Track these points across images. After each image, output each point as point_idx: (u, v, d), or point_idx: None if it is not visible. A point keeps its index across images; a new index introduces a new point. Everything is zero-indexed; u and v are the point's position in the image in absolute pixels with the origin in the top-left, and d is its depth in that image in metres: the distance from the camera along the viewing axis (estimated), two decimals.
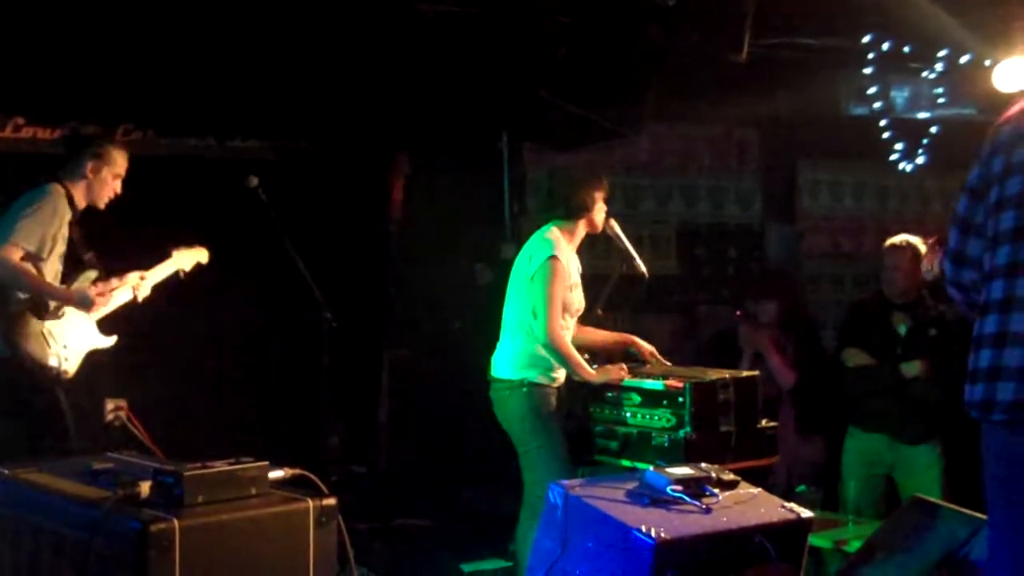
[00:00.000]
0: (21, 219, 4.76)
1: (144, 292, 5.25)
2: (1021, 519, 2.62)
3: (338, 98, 6.69)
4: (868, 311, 5.80)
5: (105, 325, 5.18)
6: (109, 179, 5.09)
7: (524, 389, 4.89)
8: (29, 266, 4.77)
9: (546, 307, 4.81)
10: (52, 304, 4.86)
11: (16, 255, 4.71)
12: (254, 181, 5.44)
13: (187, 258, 5.45)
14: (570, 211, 5.03)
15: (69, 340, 4.93)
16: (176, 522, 2.75)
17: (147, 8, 5.82)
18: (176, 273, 5.43)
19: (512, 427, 4.95)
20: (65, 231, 4.97)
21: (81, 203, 5.07)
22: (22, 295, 4.80)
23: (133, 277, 5.21)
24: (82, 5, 5.76)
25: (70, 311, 4.94)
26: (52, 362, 4.84)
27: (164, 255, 5.40)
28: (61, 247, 4.96)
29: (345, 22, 6.18)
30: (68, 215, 4.97)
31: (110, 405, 5.93)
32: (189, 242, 5.52)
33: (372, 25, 6.25)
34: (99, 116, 6.19)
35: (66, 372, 4.90)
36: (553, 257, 4.85)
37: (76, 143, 5.30)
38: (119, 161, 5.12)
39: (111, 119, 6.27)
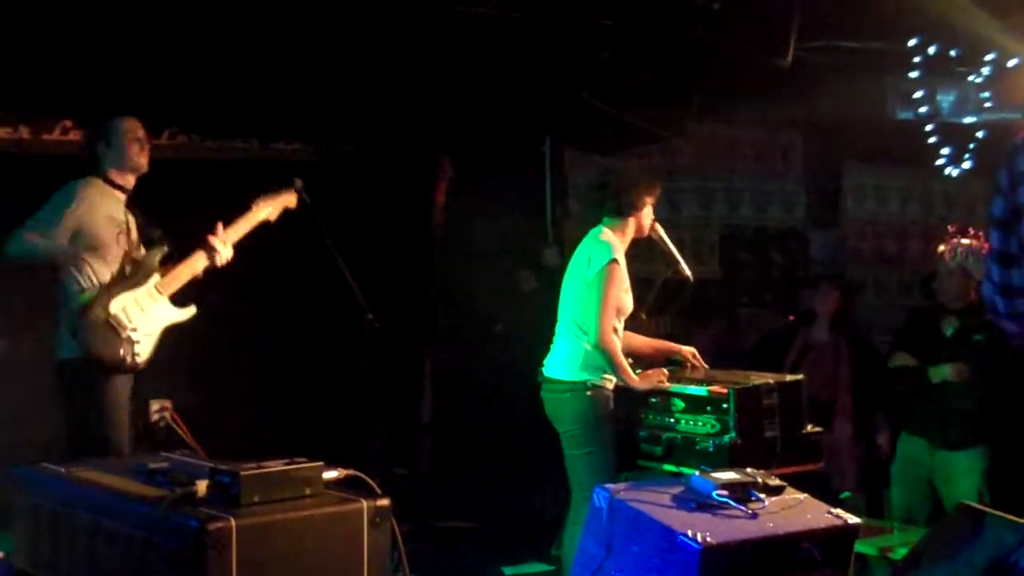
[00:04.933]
0: (43, 207, 4.78)
1: (227, 254, 5.08)
2: None
3: (381, 101, 6.72)
4: (924, 315, 5.78)
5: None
6: (128, 144, 4.99)
7: (588, 392, 4.87)
8: (38, 238, 4.74)
9: (601, 310, 4.81)
10: (115, 283, 4.83)
11: (26, 233, 4.73)
12: (299, 183, 5.45)
13: (273, 206, 5.24)
14: (621, 209, 5.02)
15: (139, 322, 4.84)
16: (233, 521, 2.77)
17: (192, 12, 5.87)
18: (265, 223, 5.23)
19: (569, 428, 4.92)
20: (109, 213, 4.91)
21: (126, 182, 5.01)
22: (79, 288, 4.79)
23: (212, 240, 5.05)
24: (129, 10, 5.81)
25: (141, 290, 4.89)
26: (121, 351, 4.78)
27: (244, 209, 5.20)
28: (110, 229, 4.90)
29: (388, 25, 6.21)
30: (109, 198, 4.93)
31: (155, 406, 5.97)
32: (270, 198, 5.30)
33: (415, 28, 6.28)
34: (144, 119, 6.24)
35: (137, 357, 4.82)
36: (614, 261, 4.85)
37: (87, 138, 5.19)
38: (125, 126, 5.02)
39: (156, 123, 6.29)
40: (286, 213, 5.40)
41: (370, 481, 3.07)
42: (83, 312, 4.73)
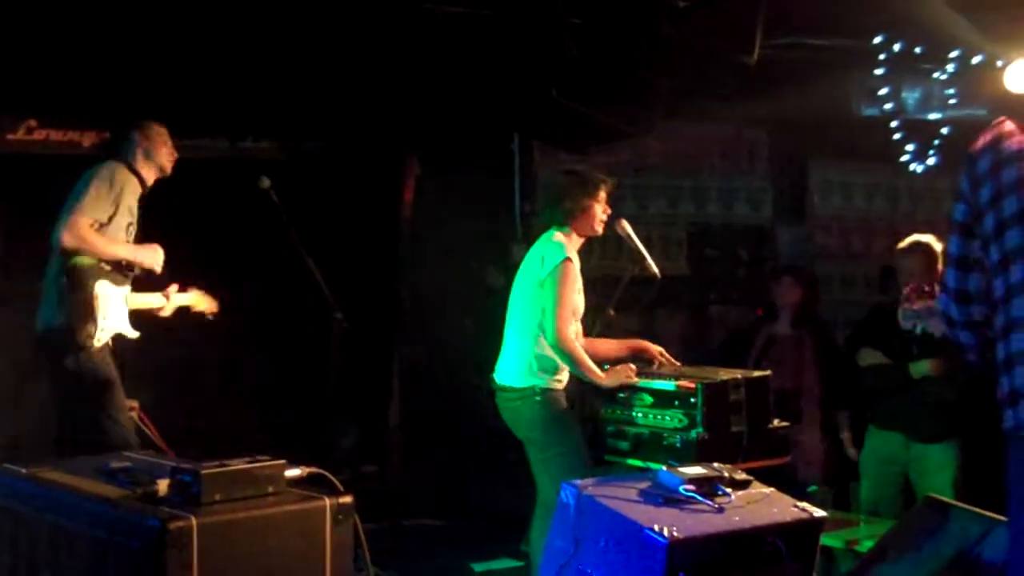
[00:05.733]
0: (85, 191, 4.82)
1: (170, 308, 5.26)
2: None
3: (349, 99, 6.70)
4: (889, 311, 5.80)
5: None
6: (161, 143, 5.16)
7: (537, 397, 4.86)
8: (97, 234, 4.83)
9: (557, 309, 4.80)
10: (113, 272, 4.91)
11: (84, 224, 4.77)
12: (266, 182, 5.46)
13: (196, 302, 5.42)
14: (560, 217, 5.03)
15: (108, 314, 4.90)
16: (194, 520, 2.76)
17: (158, 10, 5.83)
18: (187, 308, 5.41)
19: (530, 435, 4.92)
20: (130, 202, 5.02)
21: (149, 177, 5.13)
22: (83, 266, 4.82)
23: (173, 289, 5.27)
24: (93, 8, 5.78)
25: (121, 289, 4.97)
26: (88, 330, 4.81)
27: (186, 285, 5.39)
28: (125, 217, 4.98)
29: (355, 23, 6.19)
30: (133, 188, 5.03)
31: None
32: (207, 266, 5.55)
33: (383, 26, 6.26)
34: (111, 117, 6.21)
35: (96, 342, 4.85)
36: (567, 260, 4.85)
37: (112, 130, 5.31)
38: (162, 128, 5.20)
39: (123, 120, 6.29)
40: (255, 211, 5.42)
41: (333, 479, 3.07)
42: (73, 272, 4.77)
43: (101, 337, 4.87)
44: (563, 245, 4.90)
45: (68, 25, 5.79)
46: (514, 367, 4.96)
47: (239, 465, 2.96)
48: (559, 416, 4.88)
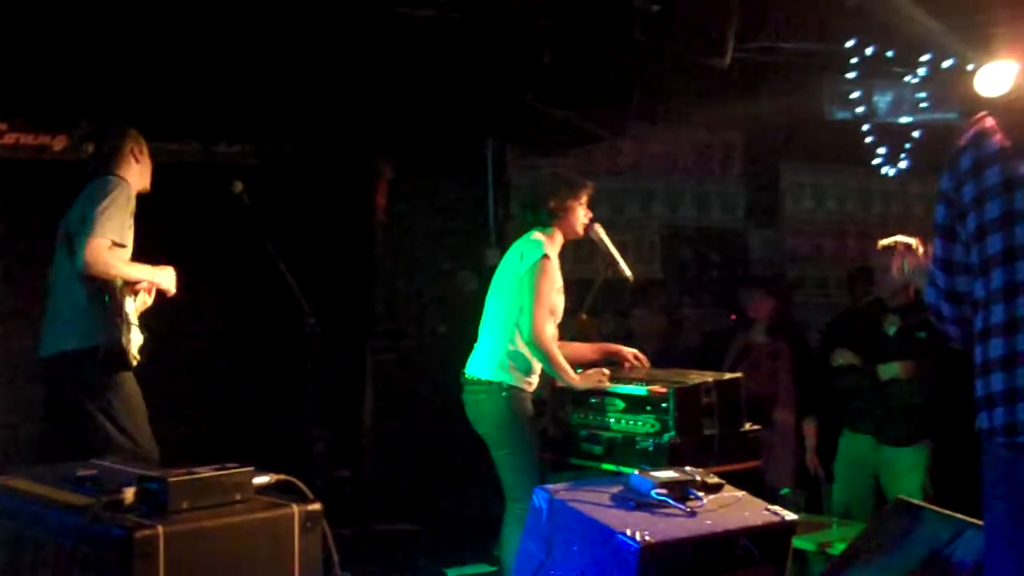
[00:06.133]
0: (101, 211, 4.66)
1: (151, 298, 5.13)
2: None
3: (322, 102, 6.68)
4: (861, 313, 5.83)
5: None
6: (147, 159, 5.04)
7: (503, 393, 4.86)
8: (118, 255, 4.72)
9: (534, 305, 4.80)
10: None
11: (105, 246, 4.64)
12: (239, 186, 5.43)
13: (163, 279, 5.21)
14: (544, 218, 5.03)
15: (133, 329, 4.85)
16: (161, 529, 2.73)
17: (131, 12, 5.80)
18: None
19: (485, 429, 4.93)
20: (133, 216, 4.90)
21: (140, 189, 5.00)
22: (118, 285, 4.74)
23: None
24: (64, 11, 5.74)
25: (137, 299, 4.89)
26: (133, 346, 4.76)
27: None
28: (131, 231, 4.89)
29: (328, 26, 6.18)
30: (132, 201, 4.90)
31: None
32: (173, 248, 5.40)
33: (356, 30, 6.25)
34: (79, 120, 6.17)
35: (136, 359, 4.82)
36: (545, 256, 4.85)
37: (97, 139, 5.10)
38: (142, 139, 5.07)
39: (99, 125, 6.25)
40: (227, 215, 5.39)
41: (302, 485, 3.04)
42: (113, 293, 4.68)
43: (137, 354, 4.83)
44: (542, 243, 4.91)
45: (38, 27, 5.74)
46: (485, 361, 4.96)
47: (206, 473, 2.93)
48: (519, 417, 4.87)
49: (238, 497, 2.96)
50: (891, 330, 5.60)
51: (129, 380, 4.81)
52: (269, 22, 6.04)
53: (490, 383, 4.90)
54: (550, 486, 3.93)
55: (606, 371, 4.99)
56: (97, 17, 5.76)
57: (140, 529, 2.71)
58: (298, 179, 6.91)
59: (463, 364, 5.08)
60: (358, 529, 6.47)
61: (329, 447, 6.65)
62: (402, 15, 6.16)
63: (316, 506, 3.01)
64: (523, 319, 4.82)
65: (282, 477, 3.08)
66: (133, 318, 4.78)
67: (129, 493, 2.89)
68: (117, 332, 4.68)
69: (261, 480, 3.05)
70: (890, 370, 5.48)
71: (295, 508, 2.97)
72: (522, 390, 4.90)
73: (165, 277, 4.92)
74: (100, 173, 4.87)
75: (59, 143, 6.31)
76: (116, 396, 4.74)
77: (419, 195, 7.26)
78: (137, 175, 4.97)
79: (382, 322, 7.42)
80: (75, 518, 2.85)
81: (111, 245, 4.66)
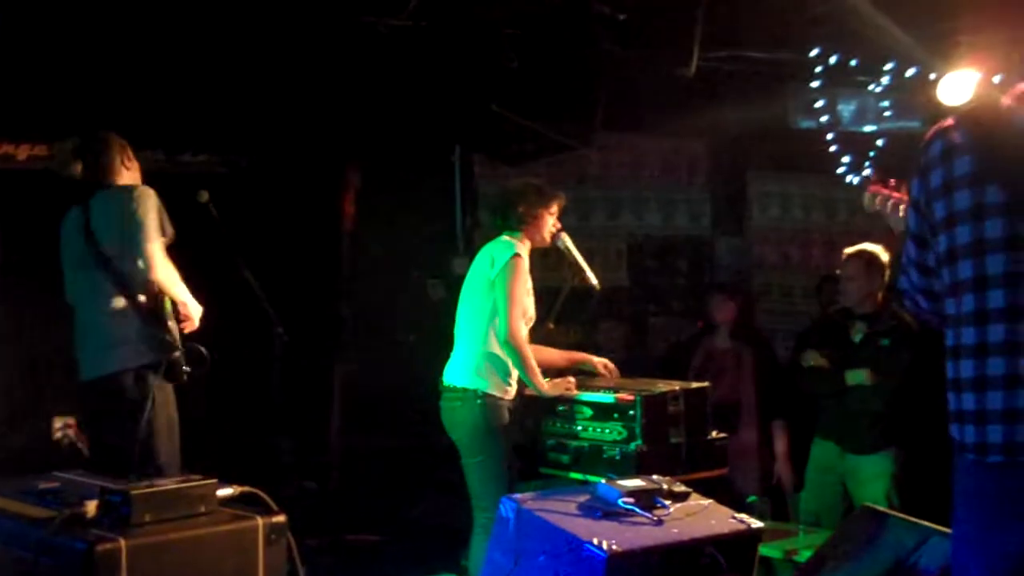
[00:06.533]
0: (144, 218, 4.65)
1: None
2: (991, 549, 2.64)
3: (289, 111, 6.66)
4: (831, 319, 5.86)
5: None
6: (135, 163, 5.01)
7: (478, 401, 4.84)
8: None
9: (508, 305, 4.78)
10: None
11: (161, 250, 4.66)
12: (205, 196, 5.40)
13: None
14: (512, 224, 5.03)
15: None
16: (123, 542, 2.71)
17: (95, 22, 5.76)
18: None
19: (460, 437, 4.91)
20: None
21: None
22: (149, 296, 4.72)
23: None
24: (28, 20, 5.69)
25: None
26: (182, 363, 4.76)
27: None
28: None
29: (295, 36, 6.16)
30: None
31: (58, 423, 5.86)
32: None
33: (323, 39, 6.23)
34: (44, 131, 6.12)
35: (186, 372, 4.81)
36: (517, 255, 4.85)
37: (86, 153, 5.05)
38: (128, 145, 5.04)
39: (57, 134, 6.20)
40: (193, 225, 5.36)
41: (266, 497, 3.03)
42: (164, 314, 4.69)
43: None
44: (513, 243, 4.91)
45: (1, 37, 5.70)
46: (461, 368, 4.94)
47: (169, 485, 2.92)
48: (493, 425, 4.85)
49: (202, 509, 2.94)
50: (857, 337, 5.62)
51: (172, 395, 4.82)
52: (235, 31, 6.01)
53: (466, 390, 4.88)
54: (517, 495, 3.92)
55: (572, 380, 5.00)
56: (58, 26, 5.72)
57: (102, 542, 2.70)
58: (265, 188, 6.88)
59: (432, 373, 5.07)
60: (325, 540, 6.44)
61: (296, 457, 6.62)
62: (368, 24, 6.15)
63: (280, 518, 3.00)
64: (499, 321, 4.80)
65: (246, 489, 3.06)
66: (176, 336, 4.77)
67: (91, 506, 2.88)
68: (170, 349, 4.69)
69: (225, 492, 3.03)
70: (856, 376, 5.51)
71: (259, 520, 2.96)
72: (499, 398, 4.88)
73: (196, 311, 4.88)
74: (102, 186, 4.86)
75: (23, 152, 6.27)
76: (163, 414, 4.75)
77: (387, 204, 7.24)
78: (129, 181, 4.95)
79: (350, 331, 7.40)
80: (37, 531, 2.83)
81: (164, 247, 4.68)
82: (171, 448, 4.75)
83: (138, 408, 4.66)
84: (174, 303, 4.77)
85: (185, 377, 4.75)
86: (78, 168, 4.92)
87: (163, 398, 4.73)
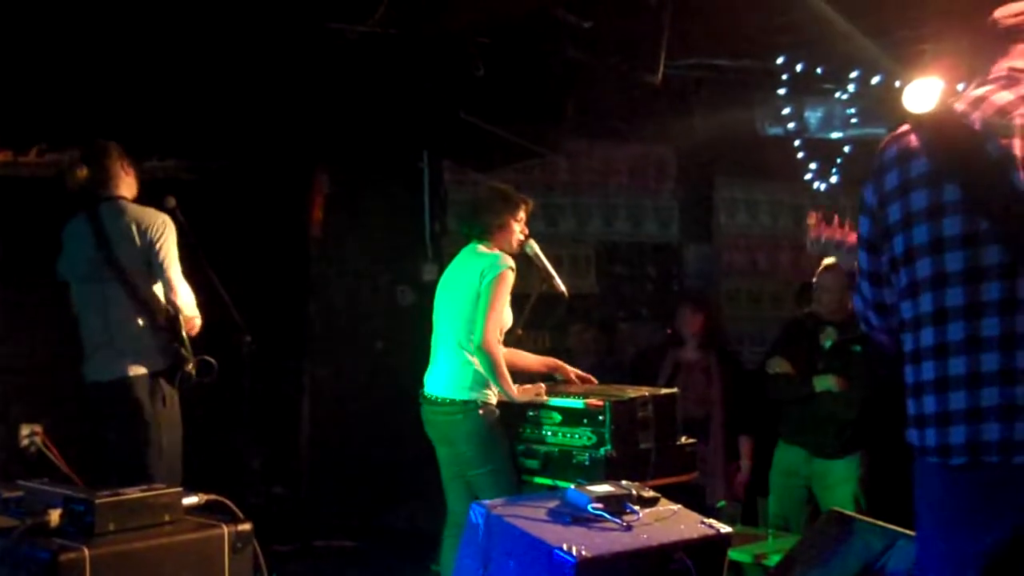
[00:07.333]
0: (170, 248, 4.97)
1: None
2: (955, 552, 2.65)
3: (257, 117, 6.64)
4: (801, 325, 5.88)
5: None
6: (132, 168, 5.20)
7: (479, 411, 4.81)
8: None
9: (489, 315, 4.76)
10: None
11: (181, 273, 4.98)
12: (171, 202, 5.36)
13: None
14: (480, 232, 5.03)
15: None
16: (87, 551, 2.70)
17: (63, 29, 5.73)
18: None
19: (464, 450, 4.86)
20: None
21: (131, 199, 5.16)
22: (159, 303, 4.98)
23: None
24: None
25: None
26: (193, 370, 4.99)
27: None
28: None
29: (263, 42, 6.14)
30: None
31: (25, 430, 5.79)
32: None
33: (291, 45, 6.22)
34: (11, 137, 6.07)
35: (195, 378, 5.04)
36: (510, 269, 4.84)
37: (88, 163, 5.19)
38: (124, 151, 5.22)
39: (24, 140, 6.16)
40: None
41: (232, 505, 3.01)
42: (177, 324, 4.96)
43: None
44: (500, 255, 4.89)
45: None
46: (452, 380, 4.89)
47: (134, 494, 2.89)
48: (496, 432, 4.84)
49: (167, 518, 2.93)
50: (827, 343, 5.64)
51: (177, 402, 5.04)
52: (203, 36, 5.99)
53: (465, 402, 4.83)
54: (487, 501, 3.92)
55: (543, 386, 5.00)
56: (24, 32, 5.67)
57: (65, 552, 2.68)
58: (233, 194, 6.85)
59: (402, 379, 5.04)
60: (295, 546, 6.42)
61: (266, 463, 6.60)
62: (336, 31, 6.13)
63: (246, 526, 2.99)
64: (476, 328, 4.79)
65: (212, 497, 3.05)
66: (190, 347, 5.00)
67: (55, 515, 2.85)
68: (185, 359, 4.95)
69: (190, 500, 3.02)
70: (824, 382, 5.54)
71: (225, 528, 2.95)
72: (495, 405, 4.87)
73: (197, 322, 5.11)
74: (107, 196, 5.04)
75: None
76: (170, 416, 4.97)
77: (355, 210, 7.23)
78: (129, 187, 5.14)
79: (319, 337, 7.38)
80: (0, 541, 2.79)
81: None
82: (173, 452, 4.95)
83: (146, 411, 4.90)
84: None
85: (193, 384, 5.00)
86: (81, 176, 5.05)
87: (172, 404, 4.97)
